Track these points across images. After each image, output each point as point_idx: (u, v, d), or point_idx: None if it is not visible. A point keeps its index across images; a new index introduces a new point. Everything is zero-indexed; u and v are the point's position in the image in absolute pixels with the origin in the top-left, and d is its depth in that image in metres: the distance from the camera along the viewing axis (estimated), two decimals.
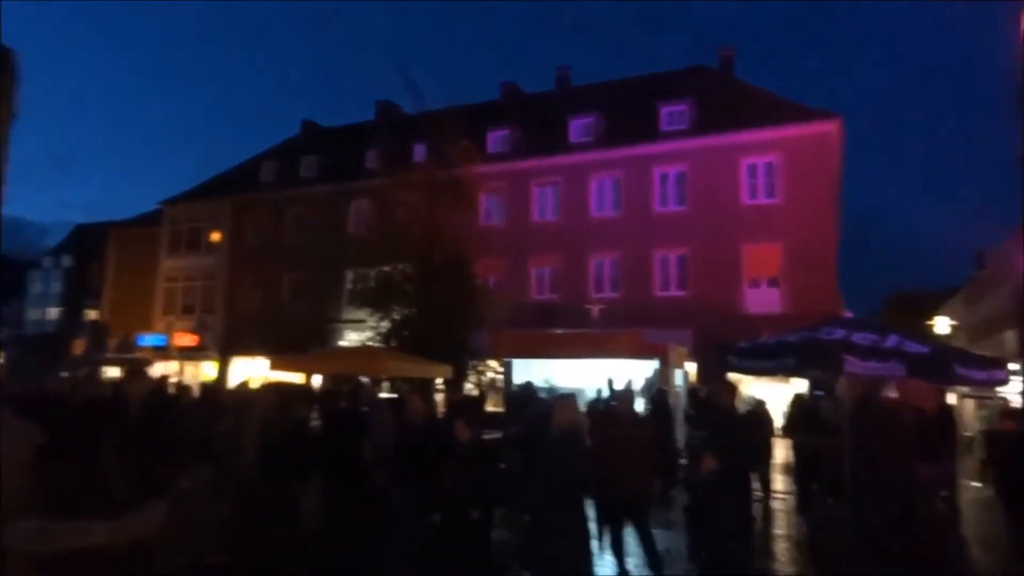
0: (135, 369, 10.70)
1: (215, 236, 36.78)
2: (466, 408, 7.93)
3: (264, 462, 5.64)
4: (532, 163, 30.33)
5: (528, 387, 13.88)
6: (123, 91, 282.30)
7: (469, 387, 19.85)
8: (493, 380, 20.69)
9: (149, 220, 40.84)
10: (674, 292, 27.02)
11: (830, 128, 26.05)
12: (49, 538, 1.63)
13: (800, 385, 14.46)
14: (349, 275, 30.48)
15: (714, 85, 30.67)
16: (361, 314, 22.99)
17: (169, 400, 8.56)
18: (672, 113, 28.97)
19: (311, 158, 37.14)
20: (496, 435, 8.95)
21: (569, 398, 6.42)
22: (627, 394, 7.79)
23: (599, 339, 17.62)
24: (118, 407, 7.04)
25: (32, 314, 61.69)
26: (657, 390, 14.36)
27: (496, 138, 31.86)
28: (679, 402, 15.98)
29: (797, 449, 11.46)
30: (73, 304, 53.03)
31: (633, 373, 15.12)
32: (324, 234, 33.78)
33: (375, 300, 20.96)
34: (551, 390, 15.61)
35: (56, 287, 59.90)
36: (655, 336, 18.62)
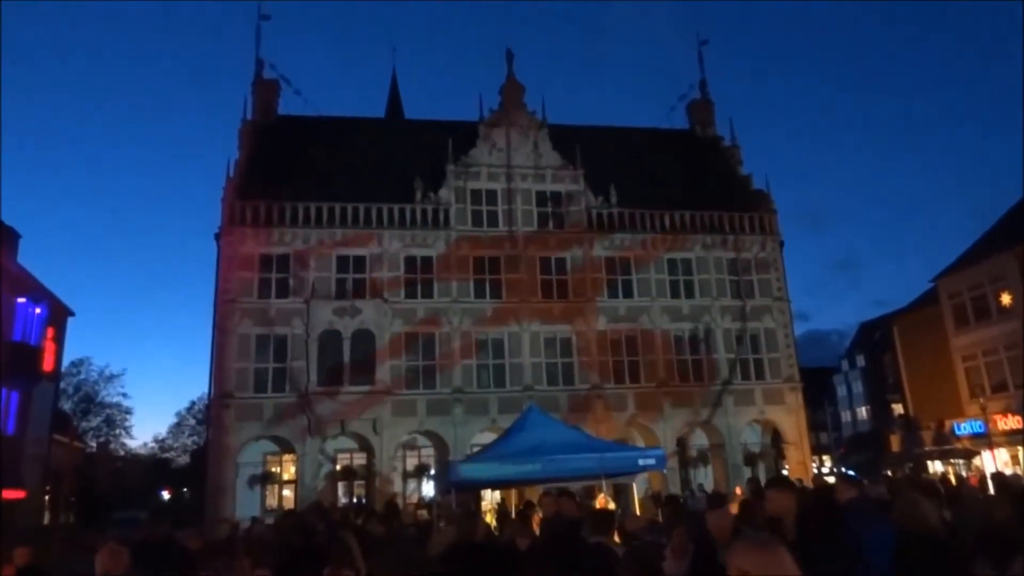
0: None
1: (1005, 297, 31.91)
2: None
3: None
4: None
5: None
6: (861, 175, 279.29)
7: None
8: None
9: (927, 300, 38.69)
10: None
11: None
12: None
13: None
14: None
15: None
16: None
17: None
18: None
19: None
20: None
21: None
22: None
23: None
24: None
25: (844, 416, 65.45)
26: None
27: None
28: None
29: None
30: (877, 400, 53.68)
31: None
32: None
33: None
34: None
35: (858, 387, 62.31)
36: None
